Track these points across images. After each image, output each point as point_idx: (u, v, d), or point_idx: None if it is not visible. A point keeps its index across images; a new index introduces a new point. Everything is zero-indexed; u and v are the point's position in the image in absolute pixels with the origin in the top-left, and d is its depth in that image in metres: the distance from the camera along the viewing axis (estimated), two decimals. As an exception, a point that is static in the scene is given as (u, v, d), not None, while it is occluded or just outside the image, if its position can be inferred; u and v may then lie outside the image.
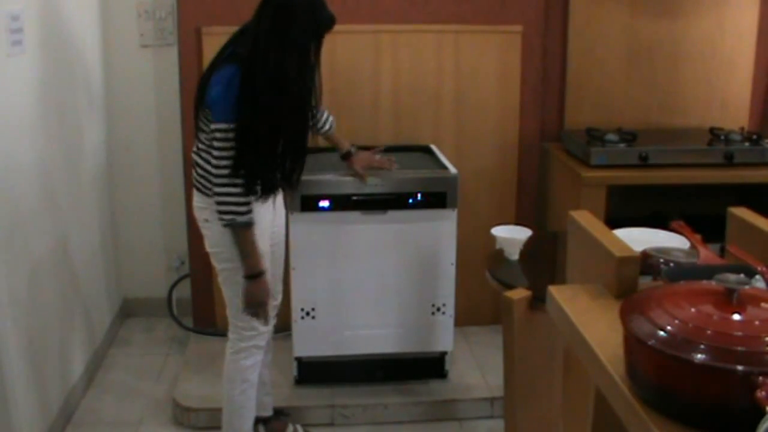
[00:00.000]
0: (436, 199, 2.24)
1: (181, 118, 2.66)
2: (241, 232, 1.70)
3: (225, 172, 1.66)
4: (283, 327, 2.49)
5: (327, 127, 2.09)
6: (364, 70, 2.57)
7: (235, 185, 1.66)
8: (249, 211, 1.68)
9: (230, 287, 1.85)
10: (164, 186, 2.88)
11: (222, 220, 1.67)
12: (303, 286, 2.29)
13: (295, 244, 2.25)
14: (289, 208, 2.11)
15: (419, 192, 2.23)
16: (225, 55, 1.70)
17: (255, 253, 1.73)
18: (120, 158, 2.88)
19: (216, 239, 1.81)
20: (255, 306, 1.75)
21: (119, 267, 2.91)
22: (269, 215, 1.90)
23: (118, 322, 2.91)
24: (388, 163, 2.16)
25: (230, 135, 1.64)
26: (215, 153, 1.66)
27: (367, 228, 2.27)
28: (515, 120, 2.71)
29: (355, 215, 2.25)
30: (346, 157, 2.16)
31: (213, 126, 1.66)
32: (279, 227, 1.98)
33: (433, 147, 2.59)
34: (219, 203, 1.67)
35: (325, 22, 1.68)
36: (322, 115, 2.06)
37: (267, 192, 1.83)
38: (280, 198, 1.96)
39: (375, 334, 2.35)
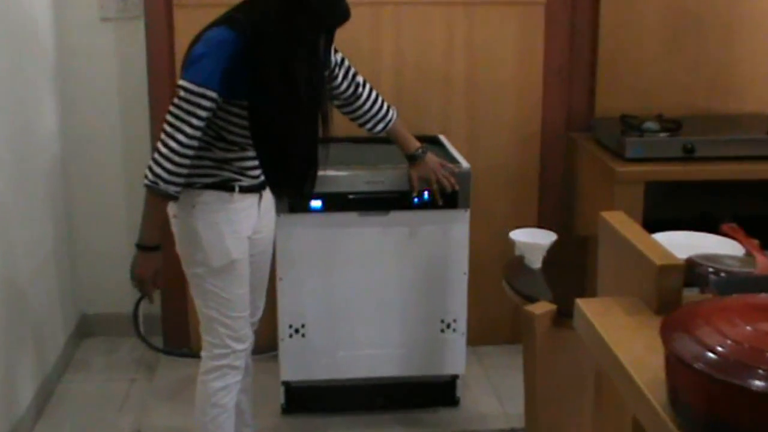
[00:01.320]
0: (445, 198, 2.25)
1: (150, 104, 2.65)
2: (155, 198, 1.72)
3: (182, 138, 1.67)
4: (268, 346, 2.51)
5: (380, 126, 2.10)
6: (362, 48, 2.56)
7: (184, 156, 1.68)
8: (178, 185, 1.71)
9: (200, 296, 1.88)
10: (129, 182, 2.83)
11: (146, 177, 1.70)
12: (291, 299, 2.31)
13: (283, 250, 2.26)
14: (276, 209, 2.10)
15: (426, 190, 2.23)
16: (222, 18, 1.72)
17: (156, 224, 1.76)
18: (78, 150, 2.84)
19: (184, 238, 1.84)
20: (137, 280, 1.78)
21: (76, 277, 2.87)
22: (251, 217, 1.90)
23: (74, 342, 2.89)
24: (449, 184, 2.20)
25: (200, 101, 1.65)
26: (170, 111, 1.67)
27: (365, 231, 2.29)
28: (537, 106, 2.73)
29: (351, 217, 2.27)
30: (411, 160, 2.18)
31: (180, 82, 1.67)
32: (265, 233, 1.99)
33: (442, 138, 2.61)
34: (154, 161, 1.69)
35: (336, 15, 1.70)
36: (370, 110, 2.07)
37: (248, 188, 1.87)
38: (269, 200, 1.97)
39: (375, 355, 2.36)
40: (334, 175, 2.23)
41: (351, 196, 2.25)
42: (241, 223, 1.87)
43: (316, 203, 2.24)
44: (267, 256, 2.04)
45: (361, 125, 2.13)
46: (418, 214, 2.28)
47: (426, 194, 2.25)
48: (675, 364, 0.83)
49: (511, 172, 2.76)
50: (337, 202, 2.25)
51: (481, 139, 2.72)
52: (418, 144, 2.19)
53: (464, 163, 2.33)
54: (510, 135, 2.74)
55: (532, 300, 1.75)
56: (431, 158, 2.21)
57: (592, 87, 2.74)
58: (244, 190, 1.86)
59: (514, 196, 2.78)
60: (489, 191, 2.74)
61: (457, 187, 2.23)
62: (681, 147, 2.43)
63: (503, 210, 2.76)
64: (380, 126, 2.12)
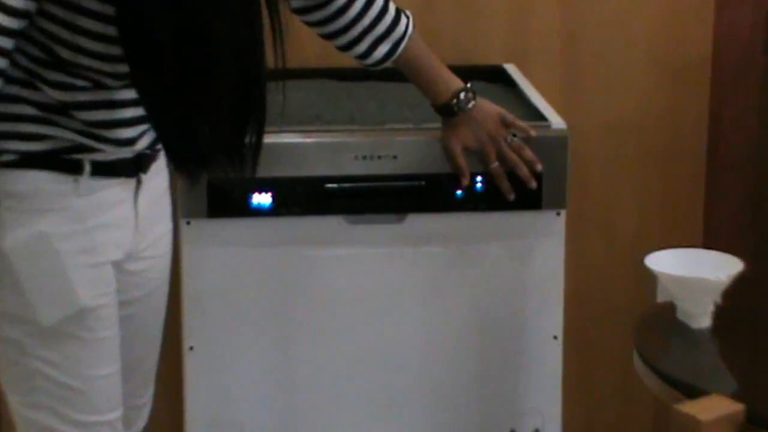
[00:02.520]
0: (517, 188, 2.23)
1: None
2: None
3: None
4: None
5: (382, 50, 2.13)
6: None
7: None
8: None
9: (18, 383, 1.85)
10: None
11: None
12: (212, 387, 2.30)
13: (195, 291, 2.27)
14: (183, 211, 2.15)
15: (480, 174, 2.23)
16: None
17: None
18: None
19: None
20: None
21: None
22: (122, 226, 1.86)
23: None
24: (521, 161, 2.20)
25: None
26: None
27: (360, 255, 2.29)
28: (704, 9, 2.74)
29: (332, 224, 2.26)
30: (445, 115, 2.19)
31: None
32: (152, 260, 1.97)
33: (512, 70, 2.62)
34: None
35: None
36: (362, 18, 2.10)
37: (107, 170, 1.81)
38: (158, 192, 1.95)
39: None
40: (296, 144, 2.22)
41: (330, 186, 2.23)
42: (98, 238, 1.81)
43: (261, 198, 2.22)
44: (157, 304, 2.02)
45: (346, 48, 2.12)
46: (465, 221, 2.27)
47: (479, 181, 2.23)
48: None
49: (649, 138, 2.77)
50: (302, 197, 2.24)
51: (586, 75, 2.73)
52: (458, 84, 2.17)
53: (556, 121, 2.31)
54: (646, 65, 2.75)
55: (694, 393, 1.71)
56: (485, 109, 2.19)
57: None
58: (104, 169, 1.80)
59: (654, 186, 2.78)
60: (604, 176, 2.75)
61: (539, 167, 2.18)
62: None
63: (633, 213, 2.77)
64: (383, 49, 2.11)
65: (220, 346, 2.27)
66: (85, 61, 1.72)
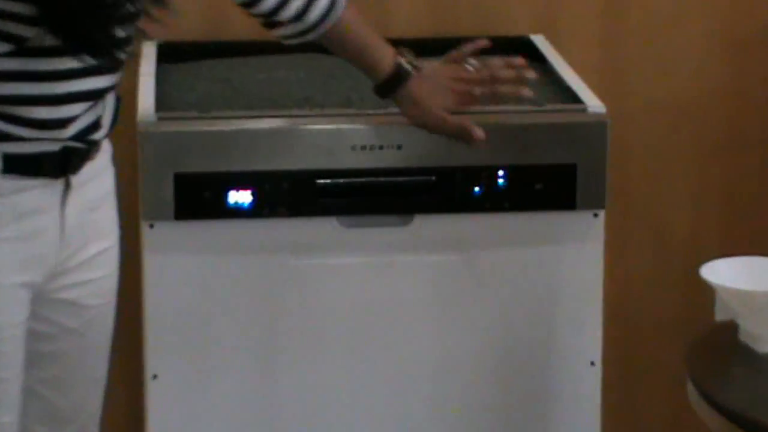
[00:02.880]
0: (547, 184, 2.26)
1: None
2: None
3: None
4: None
5: (321, 6, 2.11)
6: None
7: None
8: None
9: None
10: None
11: None
12: (179, 422, 2.31)
13: (160, 309, 2.27)
14: (145, 212, 2.19)
15: (502, 168, 2.22)
16: None
17: None
18: None
19: None
20: None
21: None
22: (42, 238, 1.80)
23: None
24: (513, 87, 2.18)
25: None
26: None
27: (357, 264, 2.30)
28: None
29: (323, 227, 2.27)
30: (395, 86, 2.16)
31: None
32: (87, 285, 1.91)
33: (541, 43, 2.65)
34: None
35: None
36: None
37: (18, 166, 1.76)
38: (97, 192, 1.90)
39: None
40: (282, 132, 2.23)
41: (322, 182, 2.23)
42: (4, 253, 1.77)
43: (239, 197, 2.23)
44: (98, 337, 1.97)
45: (279, 7, 2.09)
46: (483, 223, 2.28)
47: (500, 176, 2.26)
48: None
49: (705, 124, 2.79)
50: (289, 196, 2.24)
51: (630, 49, 2.76)
52: (391, 48, 2.16)
53: (593, 103, 2.33)
54: (702, 37, 2.78)
55: (759, 430, 1.73)
56: (428, 63, 2.19)
57: None
58: (20, 165, 1.76)
59: (712, 182, 2.81)
60: (651, 169, 2.78)
61: (519, 60, 2.16)
62: None
63: (686, 214, 2.80)
64: (320, 5, 2.09)
65: (189, 374, 2.27)
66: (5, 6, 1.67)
